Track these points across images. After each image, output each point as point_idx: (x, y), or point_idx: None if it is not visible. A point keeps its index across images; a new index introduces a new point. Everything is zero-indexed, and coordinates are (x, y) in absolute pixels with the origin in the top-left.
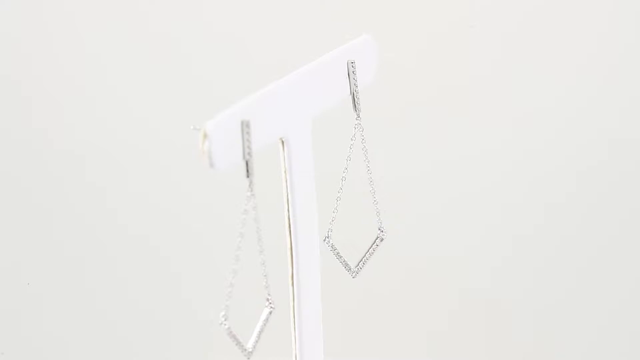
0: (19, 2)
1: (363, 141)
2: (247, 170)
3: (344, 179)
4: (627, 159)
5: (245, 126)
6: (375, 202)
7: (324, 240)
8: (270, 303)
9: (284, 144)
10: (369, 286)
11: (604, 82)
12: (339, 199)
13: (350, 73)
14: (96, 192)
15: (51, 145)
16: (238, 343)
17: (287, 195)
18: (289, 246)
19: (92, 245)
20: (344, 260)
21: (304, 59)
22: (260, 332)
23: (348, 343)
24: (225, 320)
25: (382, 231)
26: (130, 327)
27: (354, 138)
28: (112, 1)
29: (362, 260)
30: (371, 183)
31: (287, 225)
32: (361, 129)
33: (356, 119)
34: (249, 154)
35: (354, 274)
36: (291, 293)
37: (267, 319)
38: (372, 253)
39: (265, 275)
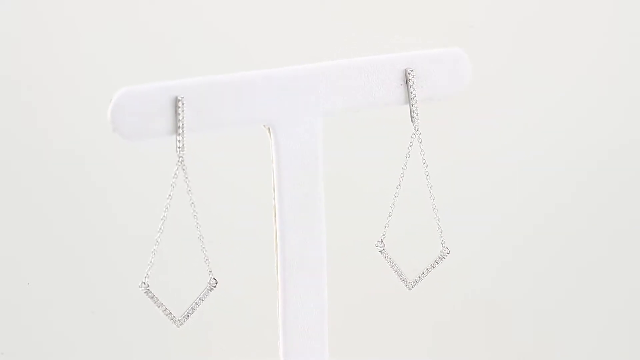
0: (19, 2)
1: (422, 154)
2: (177, 146)
3: (399, 186)
4: (629, 161)
5: (178, 102)
6: (438, 219)
7: (375, 245)
8: (211, 278)
9: (270, 132)
10: (369, 286)
11: (607, 83)
12: (393, 204)
13: (408, 81)
14: (96, 191)
15: (51, 145)
16: (163, 309)
17: (274, 185)
18: (274, 237)
19: (92, 245)
20: (398, 269)
21: (307, 59)
22: (196, 305)
23: (346, 343)
24: (145, 283)
25: (445, 248)
26: (131, 326)
27: (410, 147)
28: (112, 1)
29: (421, 274)
30: (432, 198)
31: (273, 214)
32: (419, 141)
33: (414, 129)
34: (181, 128)
35: (410, 286)
36: (277, 283)
37: (206, 293)
38: (432, 269)
39: (203, 249)
